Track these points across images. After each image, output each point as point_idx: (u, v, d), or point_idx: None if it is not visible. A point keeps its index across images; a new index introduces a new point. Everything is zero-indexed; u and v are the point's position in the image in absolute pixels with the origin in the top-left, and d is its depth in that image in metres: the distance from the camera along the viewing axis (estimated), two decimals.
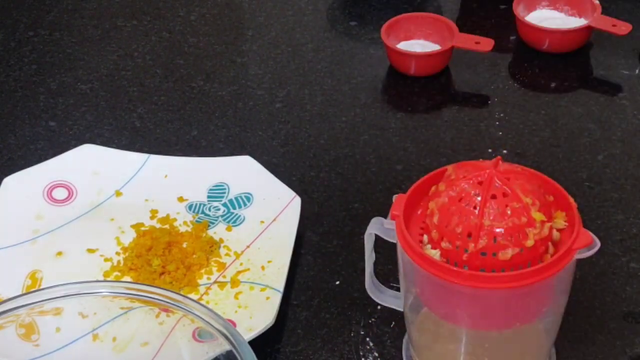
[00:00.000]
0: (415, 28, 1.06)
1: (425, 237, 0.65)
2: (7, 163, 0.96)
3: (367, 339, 0.77)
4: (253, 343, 0.66)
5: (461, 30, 1.03)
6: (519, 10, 1.07)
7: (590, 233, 0.64)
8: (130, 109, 1.03)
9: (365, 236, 0.69)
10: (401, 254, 0.66)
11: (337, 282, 0.82)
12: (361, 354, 0.76)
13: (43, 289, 0.62)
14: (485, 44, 1.02)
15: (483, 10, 1.15)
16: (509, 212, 0.61)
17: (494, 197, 0.62)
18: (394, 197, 0.67)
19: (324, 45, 1.11)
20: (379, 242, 0.69)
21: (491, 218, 0.61)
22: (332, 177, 0.93)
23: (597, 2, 1.05)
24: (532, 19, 1.07)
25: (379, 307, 0.78)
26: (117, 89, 1.06)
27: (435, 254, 0.63)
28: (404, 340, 0.75)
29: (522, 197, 0.62)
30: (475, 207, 0.62)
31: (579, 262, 0.82)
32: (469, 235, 0.62)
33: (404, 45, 1.05)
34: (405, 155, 0.94)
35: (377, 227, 0.68)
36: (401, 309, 0.72)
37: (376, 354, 0.75)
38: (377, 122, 0.99)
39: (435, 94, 1.03)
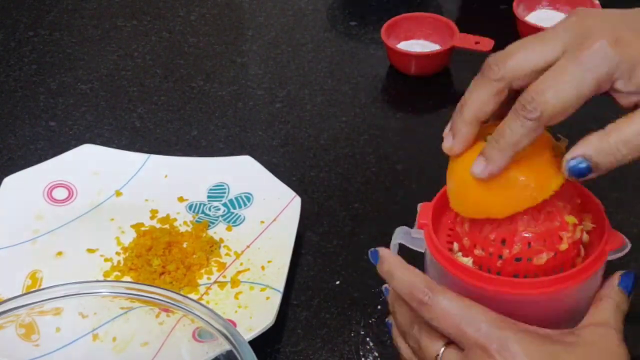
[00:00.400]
0: (415, 28, 1.06)
1: (455, 245, 0.64)
2: (7, 163, 0.96)
3: (367, 339, 0.77)
4: (253, 343, 0.67)
5: (461, 30, 1.04)
6: (519, 10, 1.07)
7: (621, 234, 0.63)
8: (130, 109, 1.03)
9: (391, 246, 0.68)
10: (431, 263, 0.65)
11: (337, 282, 0.82)
12: (361, 353, 0.76)
13: (43, 289, 0.62)
14: (485, 43, 1.02)
15: (483, 11, 1.15)
16: (542, 216, 0.60)
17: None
18: (419, 206, 0.66)
19: (324, 45, 1.11)
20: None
21: (525, 223, 0.60)
22: (332, 177, 0.93)
23: (597, 2, 1.05)
24: (532, 19, 1.07)
25: (379, 307, 0.78)
26: (117, 89, 1.06)
27: (467, 261, 0.62)
28: None
29: (555, 200, 0.60)
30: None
31: None
32: (503, 241, 0.60)
33: (404, 45, 1.05)
34: (405, 155, 0.94)
35: (402, 237, 0.66)
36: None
37: (376, 354, 0.75)
38: (377, 122, 0.99)
39: (435, 94, 1.03)
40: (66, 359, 0.68)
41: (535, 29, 1.04)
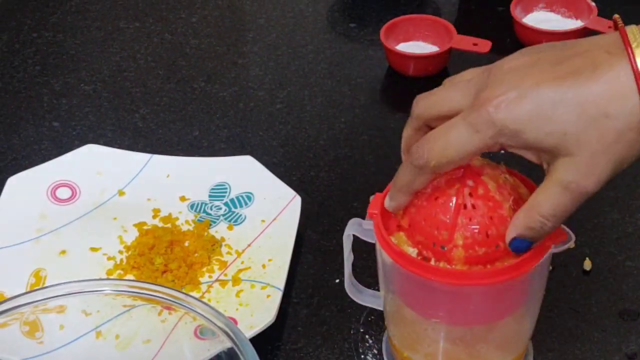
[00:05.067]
0: (414, 30, 1.07)
1: (403, 235, 0.65)
2: (11, 163, 0.96)
3: (367, 336, 0.77)
4: (254, 340, 0.66)
5: (459, 32, 1.04)
6: (516, 12, 1.07)
7: (565, 227, 0.64)
8: (132, 110, 1.03)
9: (344, 237, 0.69)
10: (380, 253, 0.66)
11: (337, 280, 0.82)
12: (361, 351, 0.76)
13: (47, 287, 0.62)
14: (483, 45, 1.03)
15: (481, 12, 1.15)
16: (483, 209, 0.62)
17: (470, 195, 0.62)
18: (371, 197, 0.68)
19: (324, 46, 1.12)
20: (359, 242, 0.70)
21: (467, 216, 0.62)
22: (332, 176, 0.93)
23: (593, 4, 1.06)
24: (529, 21, 1.07)
25: None
26: (120, 89, 1.06)
27: (412, 252, 0.64)
28: (384, 340, 0.76)
29: (496, 194, 0.62)
30: (450, 205, 0.62)
31: (576, 260, 0.83)
32: (445, 232, 0.62)
33: (402, 47, 1.05)
34: None
35: (355, 228, 0.68)
36: (381, 308, 0.73)
37: (375, 351, 0.76)
38: (376, 122, 1.00)
39: None
40: (70, 356, 0.68)
41: (532, 31, 1.05)
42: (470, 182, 0.62)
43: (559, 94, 0.56)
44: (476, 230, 0.62)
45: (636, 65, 0.55)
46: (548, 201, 0.58)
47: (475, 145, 0.58)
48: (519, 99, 0.57)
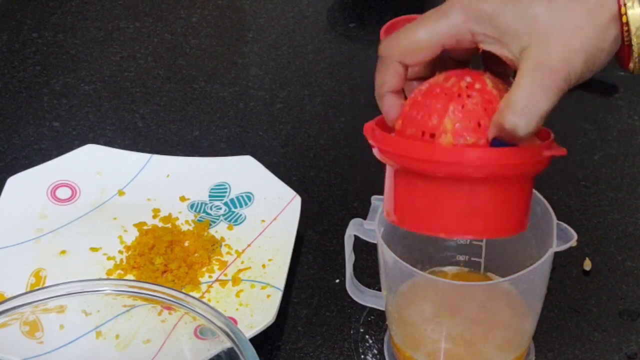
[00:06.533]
0: None
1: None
2: (11, 163, 0.96)
3: (367, 336, 0.77)
4: (254, 340, 0.66)
5: None
6: None
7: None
8: (132, 110, 1.03)
9: (345, 238, 0.69)
10: (381, 253, 0.66)
11: (337, 280, 0.82)
12: (361, 351, 0.76)
13: (47, 287, 0.62)
14: None
15: None
16: (477, 99, 0.58)
17: (467, 87, 0.58)
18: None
19: (324, 46, 1.12)
20: (360, 242, 0.70)
21: (459, 103, 0.58)
22: (332, 177, 0.93)
23: None
24: None
25: None
26: (120, 89, 1.06)
27: None
28: (385, 339, 0.76)
29: (493, 90, 0.58)
30: (444, 94, 0.58)
31: (576, 260, 0.83)
32: (436, 118, 0.58)
33: None
34: None
35: (357, 228, 0.68)
36: (382, 309, 0.73)
37: (375, 351, 0.76)
38: None
39: None
40: (70, 356, 0.68)
41: None
42: (468, 78, 0.59)
43: None
44: (467, 117, 0.57)
45: None
46: (519, 94, 0.55)
47: (444, 30, 0.57)
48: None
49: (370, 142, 0.61)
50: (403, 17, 1.07)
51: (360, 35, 1.13)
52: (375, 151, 0.61)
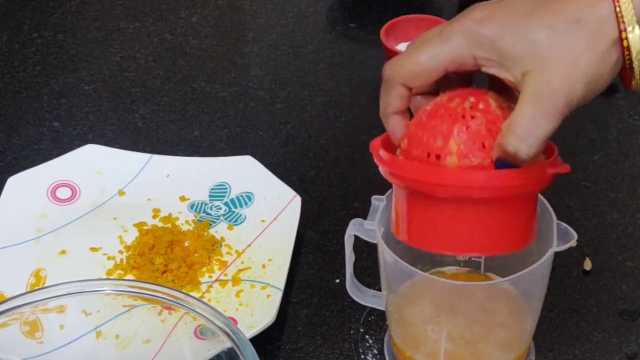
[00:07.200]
0: (414, 30, 1.07)
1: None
2: (11, 163, 0.96)
3: (367, 336, 0.78)
4: (254, 340, 0.66)
5: None
6: None
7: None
8: (132, 110, 1.03)
9: (345, 238, 0.69)
10: (381, 253, 0.66)
11: (337, 280, 0.82)
12: (361, 351, 0.76)
13: (47, 287, 0.62)
14: None
15: None
16: (481, 119, 0.59)
17: (470, 108, 0.59)
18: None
19: (324, 46, 1.12)
20: (360, 242, 0.70)
21: (464, 124, 0.59)
22: (332, 177, 0.94)
23: None
24: None
25: None
26: (120, 89, 1.06)
27: None
28: (385, 339, 0.76)
29: (497, 110, 0.59)
30: (449, 115, 0.59)
31: (576, 260, 0.83)
32: (441, 139, 0.59)
33: (403, 47, 1.05)
34: None
35: (357, 229, 0.68)
36: (382, 308, 0.73)
37: (375, 351, 0.76)
38: (376, 122, 0.99)
39: None
40: (70, 356, 0.68)
41: None
42: (472, 98, 0.60)
43: (533, 4, 0.56)
44: (472, 139, 0.59)
45: None
46: (521, 119, 0.56)
47: (447, 55, 0.57)
48: (493, 13, 0.57)
49: (377, 162, 0.63)
50: (403, 17, 1.07)
51: (360, 35, 1.14)
52: (381, 169, 0.63)
